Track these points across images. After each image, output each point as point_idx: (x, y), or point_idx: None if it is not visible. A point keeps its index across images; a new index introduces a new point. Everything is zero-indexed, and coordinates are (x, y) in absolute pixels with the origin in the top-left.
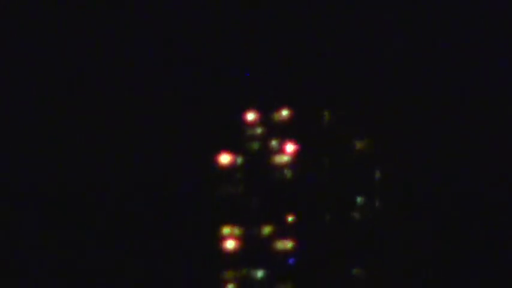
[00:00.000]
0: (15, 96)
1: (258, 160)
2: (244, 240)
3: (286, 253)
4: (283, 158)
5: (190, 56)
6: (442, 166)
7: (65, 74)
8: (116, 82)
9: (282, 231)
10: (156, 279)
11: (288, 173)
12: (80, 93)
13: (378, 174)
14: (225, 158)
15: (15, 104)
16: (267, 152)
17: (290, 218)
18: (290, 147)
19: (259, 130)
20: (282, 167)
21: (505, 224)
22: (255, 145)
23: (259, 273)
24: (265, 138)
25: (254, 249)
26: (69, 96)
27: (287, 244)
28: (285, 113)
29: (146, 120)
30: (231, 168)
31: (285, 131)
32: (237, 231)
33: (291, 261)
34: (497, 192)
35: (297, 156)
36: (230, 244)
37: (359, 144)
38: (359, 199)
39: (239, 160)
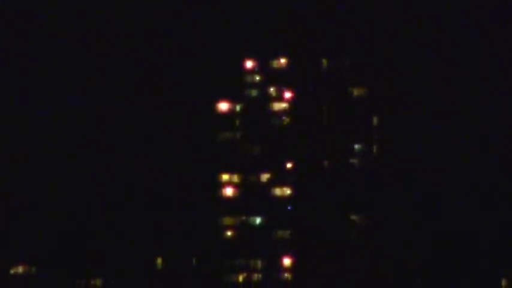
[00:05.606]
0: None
1: (256, 107)
2: (243, 187)
3: (284, 200)
4: (282, 105)
5: (191, 6)
6: (439, 113)
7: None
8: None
9: (281, 178)
10: (157, 225)
11: (286, 120)
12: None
13: (375, 121)
14: (224, 105)
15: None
16: (266, 99)
17: (289, 165)
18: (288, 95)
19: (257, 77)
20: (280, 114)
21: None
22: (254, 92)
23: (258, 220)
24: (263, 86)
25: (253, 196)
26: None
27: (285, 191)
28: (283, 60)
29: (147, 71)
30: (230, 115)
31: (283, 79)
32: (235, 178)
33: (289, 208)
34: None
35: (295, 103)
36: (229, 191)
37: (356, 91)
38: (357, 146)
39: (238, 107)
